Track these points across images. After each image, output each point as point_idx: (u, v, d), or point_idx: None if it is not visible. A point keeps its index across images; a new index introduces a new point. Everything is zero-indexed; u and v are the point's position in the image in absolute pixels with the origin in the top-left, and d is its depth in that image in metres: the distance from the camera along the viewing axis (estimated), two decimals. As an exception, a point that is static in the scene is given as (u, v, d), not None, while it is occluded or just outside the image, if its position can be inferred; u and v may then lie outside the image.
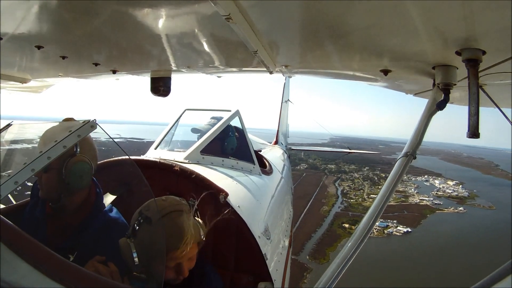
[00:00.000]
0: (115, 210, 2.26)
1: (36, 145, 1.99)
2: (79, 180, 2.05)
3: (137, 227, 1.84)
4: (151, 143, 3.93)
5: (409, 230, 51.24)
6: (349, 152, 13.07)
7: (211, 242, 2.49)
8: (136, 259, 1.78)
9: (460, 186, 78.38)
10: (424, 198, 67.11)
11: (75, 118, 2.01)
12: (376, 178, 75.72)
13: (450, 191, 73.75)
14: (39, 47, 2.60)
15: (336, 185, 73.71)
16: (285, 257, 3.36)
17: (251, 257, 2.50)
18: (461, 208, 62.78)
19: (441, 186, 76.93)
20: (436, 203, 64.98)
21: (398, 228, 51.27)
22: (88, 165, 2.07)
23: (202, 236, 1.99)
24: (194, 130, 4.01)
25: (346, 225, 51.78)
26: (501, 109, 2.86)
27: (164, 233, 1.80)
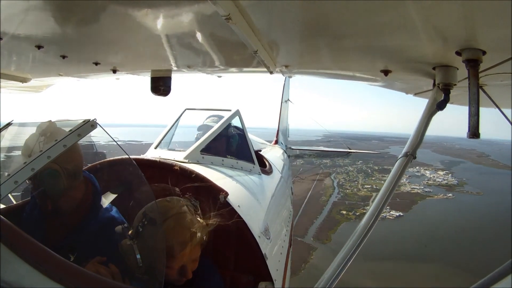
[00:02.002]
0: (114, 209, 2.26)
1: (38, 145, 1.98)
2: (52, 186, 2.01)
3: (141, 229, 1.82)
4: (150, 145, 3.92)
5: (401, 214, 54.32)
6: (349, 152, 13.06)
7: (211, 242, 2.49)
8: (139, 261, 1.77)
9: (450, 175, 79.69)
10: (415, 186, 69.20)
11: (75, 119, 2.01)
12: (369, 171, 77.27)
13: (440, 180, 75.42)
14: (39, 47, 2.60)
15: (332, 177, 75.09)
16: (285, 257, 3.35)
17: (251, 257, 2.50)
18: (450, 195, 65.03)
19: (431, 176, 78.42)
20: (426, 191, 67.23)
21: (391, 212, 54.01)
22: (56, 171, 2.00)
23: (204, 237, 2.00)
24: (200, 128, 4.01)
25: (344, 212, 54.69)
26: (501, 109, 2.86)
27: (165, 236, 1.80)
